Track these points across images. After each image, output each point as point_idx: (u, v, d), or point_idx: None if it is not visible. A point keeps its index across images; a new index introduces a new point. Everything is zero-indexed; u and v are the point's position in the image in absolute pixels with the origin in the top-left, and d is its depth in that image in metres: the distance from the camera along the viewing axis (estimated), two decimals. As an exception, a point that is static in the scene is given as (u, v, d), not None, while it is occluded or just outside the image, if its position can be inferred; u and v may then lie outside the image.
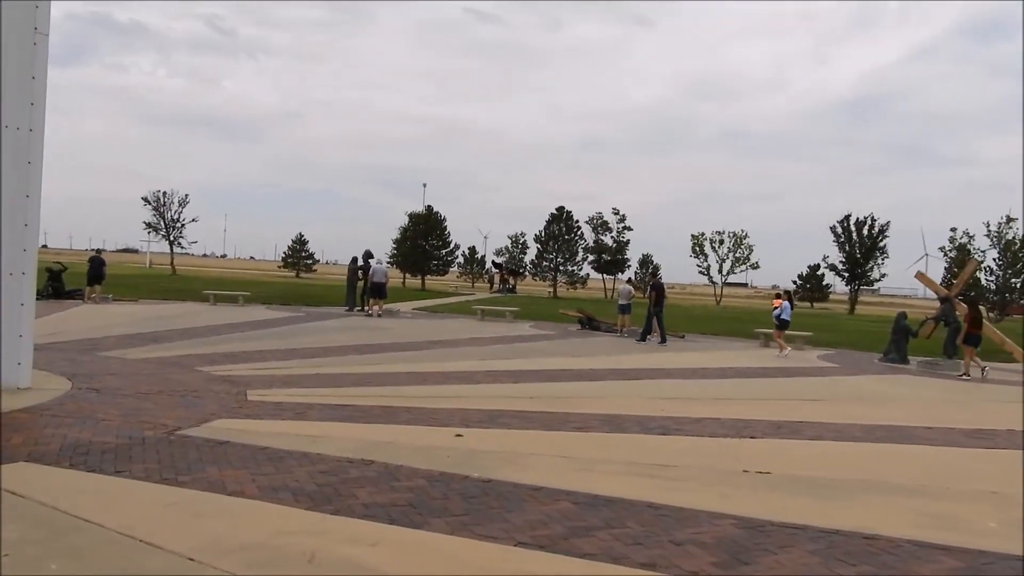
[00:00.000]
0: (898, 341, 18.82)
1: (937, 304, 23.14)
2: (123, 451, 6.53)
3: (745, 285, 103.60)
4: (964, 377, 16.28)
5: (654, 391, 11.98)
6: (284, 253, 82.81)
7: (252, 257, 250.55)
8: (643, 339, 20.88)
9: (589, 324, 24.27)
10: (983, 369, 16.49)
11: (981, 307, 20.47)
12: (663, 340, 20.66)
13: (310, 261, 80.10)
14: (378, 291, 25.10)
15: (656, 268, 48.23)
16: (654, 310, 20.93)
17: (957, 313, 19.01)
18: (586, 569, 4.45)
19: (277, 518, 5.04)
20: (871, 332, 29.43)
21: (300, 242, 79.63)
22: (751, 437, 8.58)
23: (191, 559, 4.28)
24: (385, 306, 26.02)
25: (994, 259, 54.79)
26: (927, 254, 51.01)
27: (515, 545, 4.76)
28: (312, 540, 4.63)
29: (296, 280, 61.82)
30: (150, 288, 33.79)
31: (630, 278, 59.19)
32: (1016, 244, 49.98)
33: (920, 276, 21.59)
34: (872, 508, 5.97)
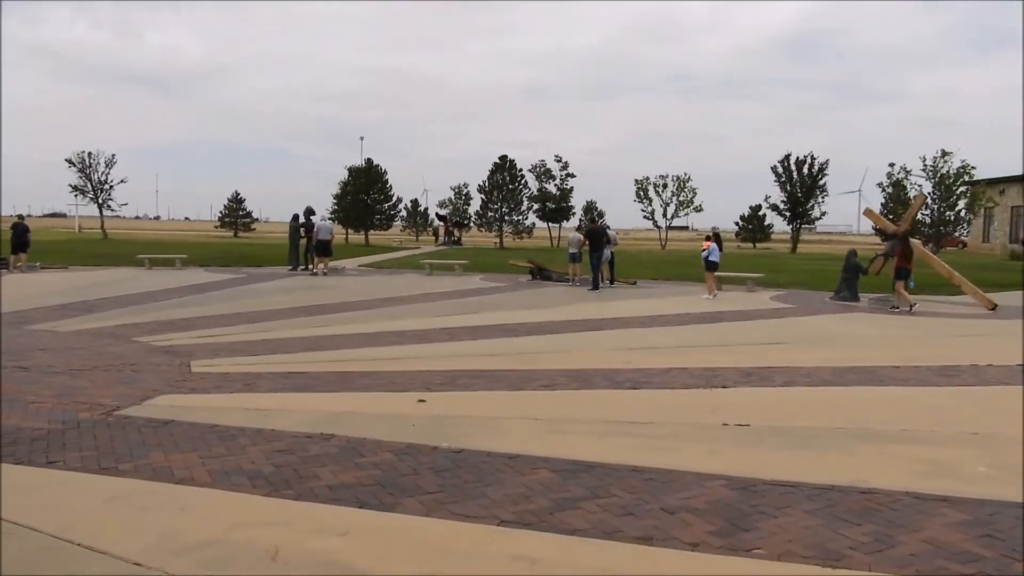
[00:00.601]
0: (849, 279, 18.85)
1: (882, 241, 23.34)
2: (56, 438, 5.95)
3: (687, 228, 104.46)
4: (894, 309, 16.63)
5: (616, 342, 11.69)
6: (221, 213, 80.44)
7: (187, 218, 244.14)
8: (595, 287, 20.64)
9: (540, 274, 23.91)
10: (905, 307, 16.67)
11: (916, 241, 20.60)
12: (593, 287, 20.51)
13: (248, 220, 78.00)
14: (323, 249, 24.37)
15: (594, 215, 47.68)
16: (591, 257, 20.80)
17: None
18: (580, 548, 4.09)
19: (233, 508, 4.58)
20: (817, 271, 29.70)
21: (237, 200, 77.32)
22: (723, 387, 8.33)
23: (137, 563, 3.80)
24: (331, 264, 25.29)
25: (928, 193, 55.93)
26: (860, 190, 51.68)
27: (498, 525, 4.39)
28: (274, 533, 4.19)
29: (235, 240, 60.12)
30: (80, 254, 32.32)
31: (579, 225, 58.95)
32: (950, 178, 50.92)
33: (868, 212, 21.63)
34: (862, 459, 5.75)
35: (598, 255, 20.73)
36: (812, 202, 54.96)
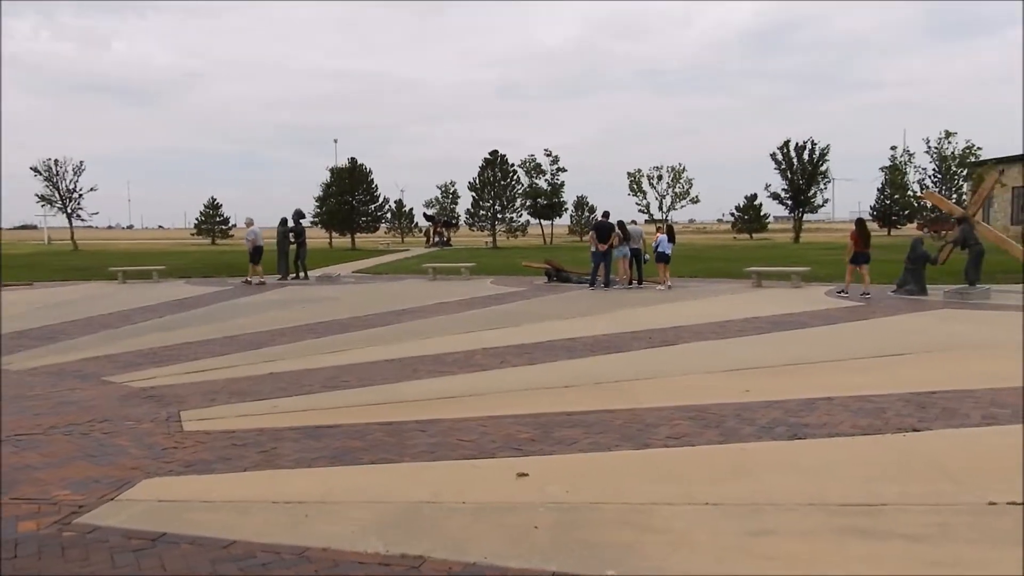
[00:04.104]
0: (916, 270, 16.80)
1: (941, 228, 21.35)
2: (-26, 585, 3.65)
3: (692, 221, 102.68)
4: (841, 294, 16.41)
5: (705, 360, 9.50)
6: (196, 219, 77.62)
7: (161, 226, 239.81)
8: (605, 285, 19.42)
9: (558, 276, 21.67)
10: (846, 291, 16.54)
11: (986, 225, 18.68)
12: (604, 284, 19.44)
13: (225, 226, 75.20)
14: (258, 255, 22.01)
15: (606, 212, 45.56)
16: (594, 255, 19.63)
17: (977, 234, 17.08)
18: None
19: None
20: (835, 262, 27.64)
21: (213, 206, 74.59)
22: (912, 430, 6.14)
23: None
24: (324, 271, 22.93)
25: (929, 175, 54.27)
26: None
27: None
28: None
29: (213, 248, 57.36)
30: (48, 268, 29.69)
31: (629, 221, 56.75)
32: (956, 159, 49.19)
33: (929, 195, 19.63)
34: None
35: (609, 252, 19.47)
36: (814, 189, 53.12)
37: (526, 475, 5.13)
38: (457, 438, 6.10)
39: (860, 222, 17.62)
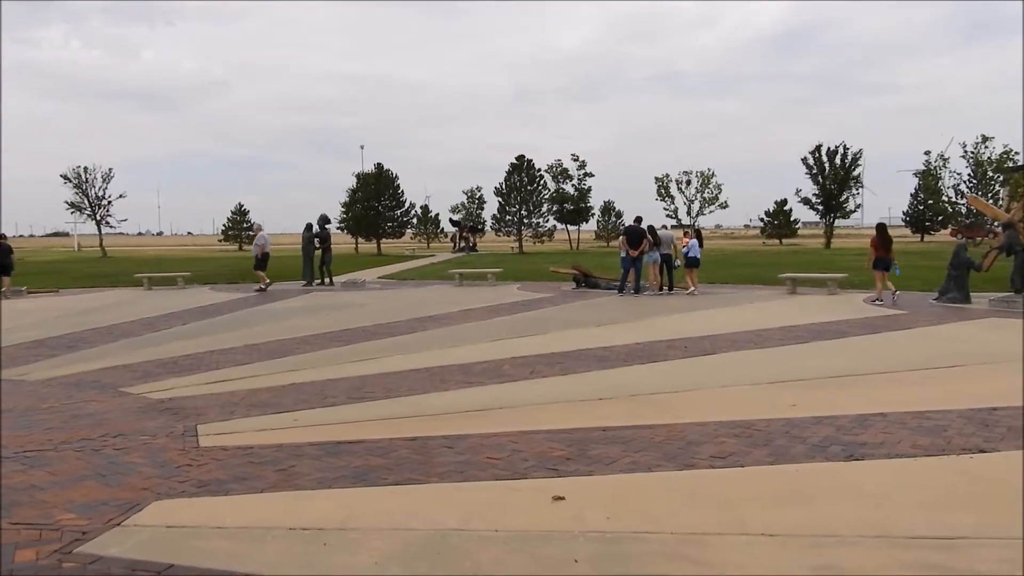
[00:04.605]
0: (959, 277, 16.18)
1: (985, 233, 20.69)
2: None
3: (719, 226, 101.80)
4: (877, 302, 16.03)
5: (745, 371, 9.04)
6: (224, 226, 78.04)
7: (190, 232, 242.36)
8: (636, 291, 19.12)
9: (586, 282, 21.26)
10: (877, 298, 16.34)
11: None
12: (634, 290, 19.19)
13: (252, 233, 75.54)
14: (264, 262, 21.82)
15: (638, 217, 45.10)
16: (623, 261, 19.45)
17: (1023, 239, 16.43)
18: None
19: None
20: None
21: (240, 212, 74.97)
22: (979, 451, 5.67)
23: None
24: (349, 276, 22.70)
25: (965, 181, 53.15)
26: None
27: None
28: None
29: (239, 254, 57.58)
30: (75, 274, 29.79)
31: (660, 226, 56.53)
32: (992, 164, 48.11)
33: (973, 200, 18.97)
34: None
35: (640, 258, 19.12)
36: (846, 194, 52.16)
37: (562, 498, 4.74)
38: (487, 456, 5.72)
39: (881, 227, 17.42)
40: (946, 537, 4.10)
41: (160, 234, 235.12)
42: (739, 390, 8.04)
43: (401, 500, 4.82)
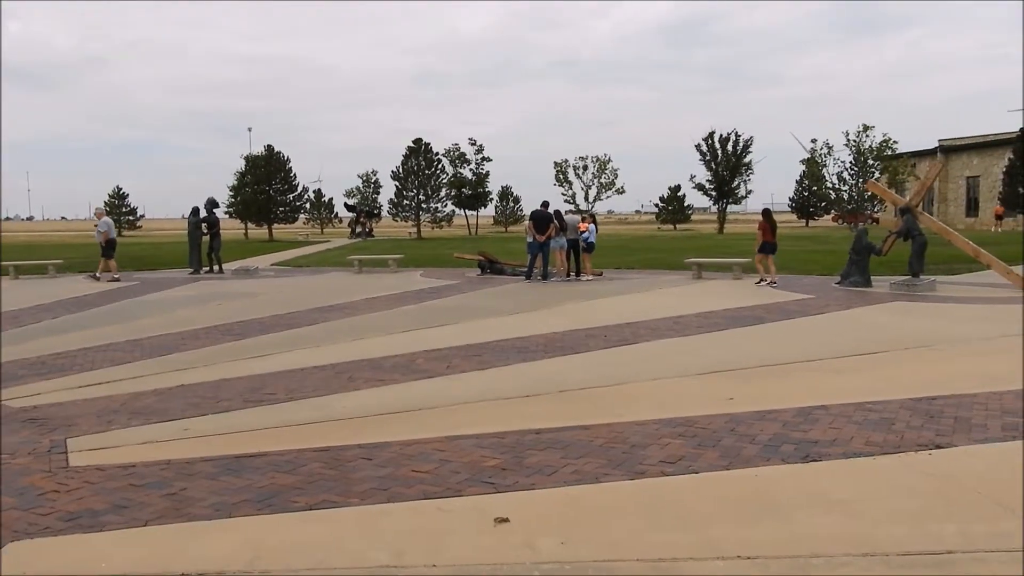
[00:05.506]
0: (860, 262, 16.40)
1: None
2: None
3: (611, 212, 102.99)
4: (762, 283, 16.74)
5: (672, 363, 8.64)
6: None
7: (63, 217, 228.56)
8: (545, 277, 18.67)
9: (492, 268, 20.68)
10: (767, 280, 16.81)
11: (926, 215, 18.48)
12: (542, 276, 18.73)
13: (132, 217, 71.47)
14: (111, 249, 20.25)
15: (545, 202, 44.93)
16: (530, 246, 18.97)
17: (921, 224, 16.81)
18: None
19: None
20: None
21: (119, 196, 70.76)
22: (935, 447, 5.38)
23: None
24: (240, 263, 21.40)
25: (847, 168, 55.19)
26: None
27: None
28: None
29: (120, 240, 54.27)
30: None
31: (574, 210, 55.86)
32: (872, 152, 50.12)
33: (872, 185, 19.34)
34: None
35: (547, 243, 18.57)
36: (738, 180, 53.42)
37: (506, 520, 4.12)
38: (411, 469, 5.05)
39: (767, 212, 18.02)
40: (938, 552, 3.71)
41: (31, 219, 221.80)
42: (671, 383, 7.63)
43: (317, 529, 4.10)
